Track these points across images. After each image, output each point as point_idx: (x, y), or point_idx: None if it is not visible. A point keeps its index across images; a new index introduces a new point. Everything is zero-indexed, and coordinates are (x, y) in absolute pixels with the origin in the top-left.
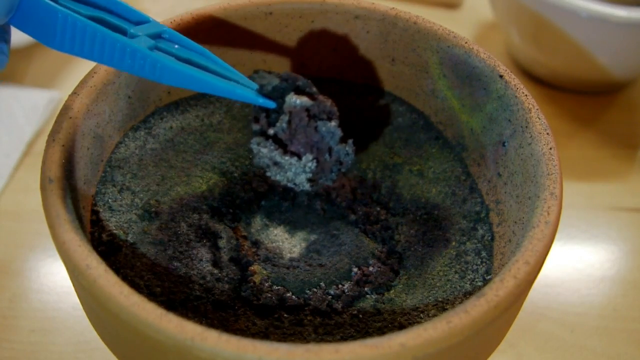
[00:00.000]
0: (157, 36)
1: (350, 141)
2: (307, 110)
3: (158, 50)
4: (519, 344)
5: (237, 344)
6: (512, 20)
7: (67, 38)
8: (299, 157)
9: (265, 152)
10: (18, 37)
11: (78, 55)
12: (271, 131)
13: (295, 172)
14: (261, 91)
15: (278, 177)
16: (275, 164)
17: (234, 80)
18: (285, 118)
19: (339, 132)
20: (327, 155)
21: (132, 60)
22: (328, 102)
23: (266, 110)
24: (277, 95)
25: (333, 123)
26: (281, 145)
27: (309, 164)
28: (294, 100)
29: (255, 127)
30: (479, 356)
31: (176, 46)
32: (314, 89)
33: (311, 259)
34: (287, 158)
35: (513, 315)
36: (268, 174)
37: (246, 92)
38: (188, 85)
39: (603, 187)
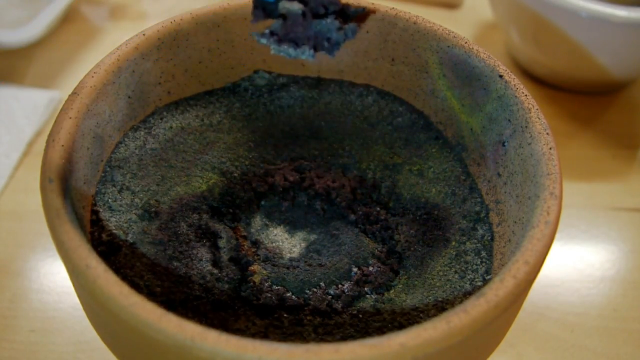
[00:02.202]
0: None
1: (351, 25)
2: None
3: None
4: (519, 344)
5: (237, 343)
6: (512, 20)
7: None
8: (298, 45)
9: (264, 41)
10: (18, 37)
11: None
12: (267, 30)
13: (295, 55)
14: None
15: (281, 54)
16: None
17: None
18: (279, 21)
19: (335, 25)
20: (325, 43)
21: None
22: None
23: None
24: None
25: (328, 20)
26: (279, 37)
27: (308, 52)
28: (285, 6)
29: (253, 20)
30: (479, 356)
31: None
32: None
33: (311, 259)
34: (285, 47)
35: (513, 315)
36: (272, 52)
37: None
38: None
39: (603, 187)
